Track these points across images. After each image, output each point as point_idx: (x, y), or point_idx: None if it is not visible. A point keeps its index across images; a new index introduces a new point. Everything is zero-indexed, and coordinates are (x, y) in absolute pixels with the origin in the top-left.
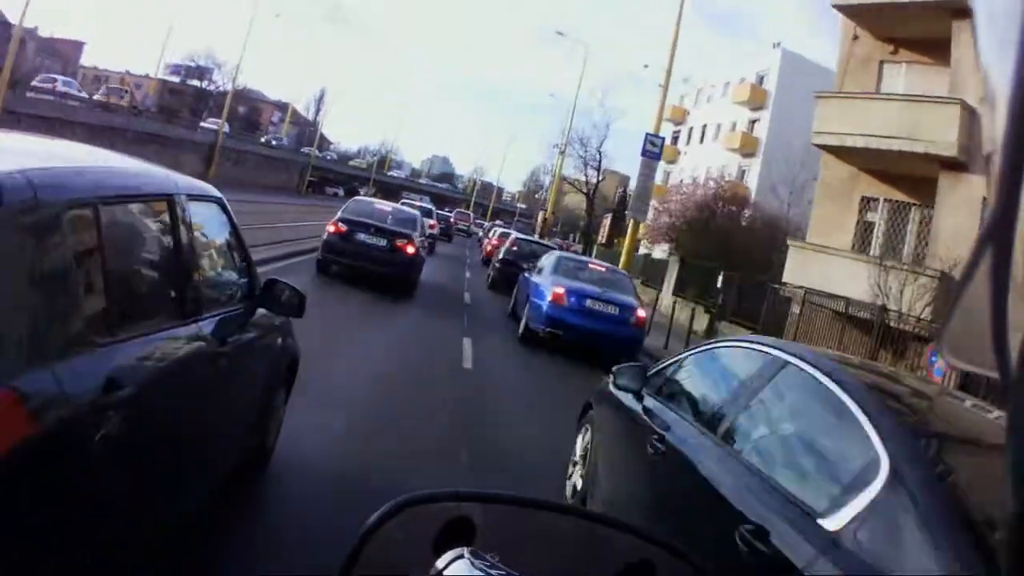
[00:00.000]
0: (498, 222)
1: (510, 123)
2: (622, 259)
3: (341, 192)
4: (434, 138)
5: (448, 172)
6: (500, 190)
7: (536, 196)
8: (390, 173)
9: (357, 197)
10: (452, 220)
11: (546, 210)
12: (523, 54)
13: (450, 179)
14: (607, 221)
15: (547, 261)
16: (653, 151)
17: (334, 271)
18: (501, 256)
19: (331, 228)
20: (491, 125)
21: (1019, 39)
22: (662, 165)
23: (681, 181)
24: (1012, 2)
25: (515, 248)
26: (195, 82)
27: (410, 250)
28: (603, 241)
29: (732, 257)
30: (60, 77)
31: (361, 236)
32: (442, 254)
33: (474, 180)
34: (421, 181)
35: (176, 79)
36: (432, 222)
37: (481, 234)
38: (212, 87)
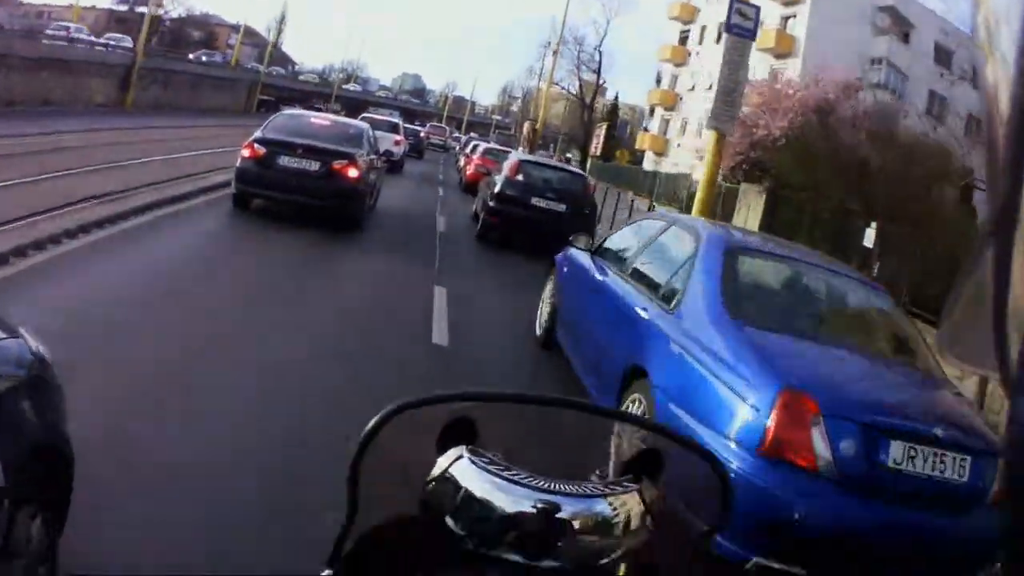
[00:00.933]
0: (472, 135)
1: (484, 39)
2: (700, 193)
3: (299, 109)
4: (406, 58)
5: (420, 88)
6: (473, 104)
7: (512, 108)
8: (353, 88)
9: (287, 111)
10: (424, 134)
11: (533, 119)
12: None
13: (421, 95)
14: (601, 132)
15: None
16: (745, 26)
17: (258, 206)
18: (498, 189)
19: (246, 152)
20: (464, 43)
21: (1019, 39)
22: (668, 69)
23: (778, 75)
24: (1012, 2)
25: (521, 177)
26: (143, 9)
27: (352, 174)
28: (597, 154)
29: (870, 200)
30: None
31: (284, 160)
32: (411, 173)
33: (446, 94)
34: (383, 95)
35: (124, 8)
36: (398, 137)
37: (458, 149)
38: (163, 13)
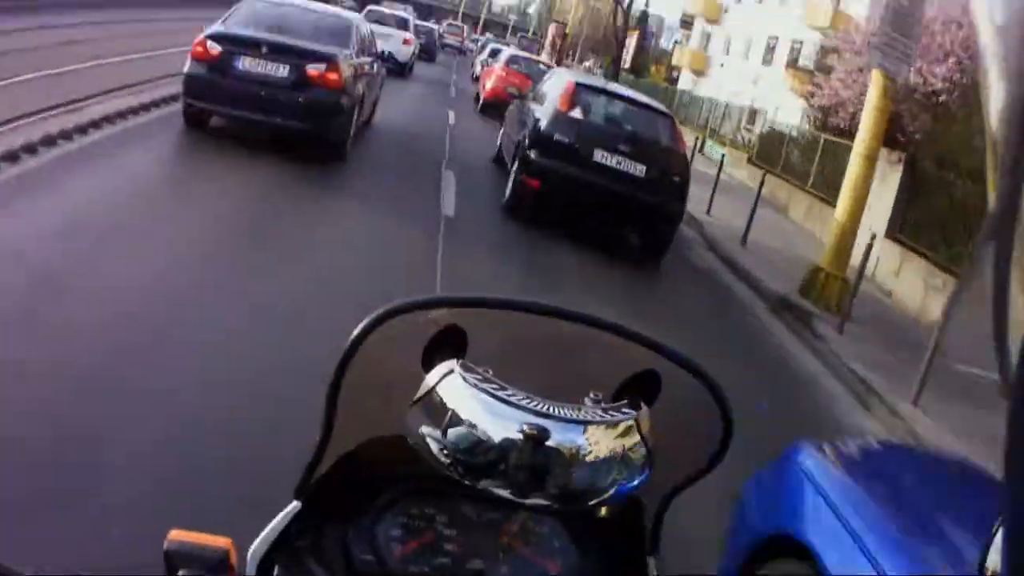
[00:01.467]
0: (488, 35)
1: None
2: (855, 169)
3: None
4: None
5: None
6: (489, 2)
7: (528, 10)
8: None
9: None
10: (435, 33)
11: (562, 21)
12: None
13: None
14: (631, 42)
15: None
16: None
17: (216, 125)
18: (542, 132)
19: (196, 51)
20: None
21: (1019, 40)
22: (701, 25)
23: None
24: (1012, 3)
25: (579, 114)
26: None
27: (332, 81)
28: (628, 67)
29: None
30: None
31: (245, 63)
32: (420, 79)
33: None
34: None
35: None
36: (408, 36)
37: (474, 50)
38: None
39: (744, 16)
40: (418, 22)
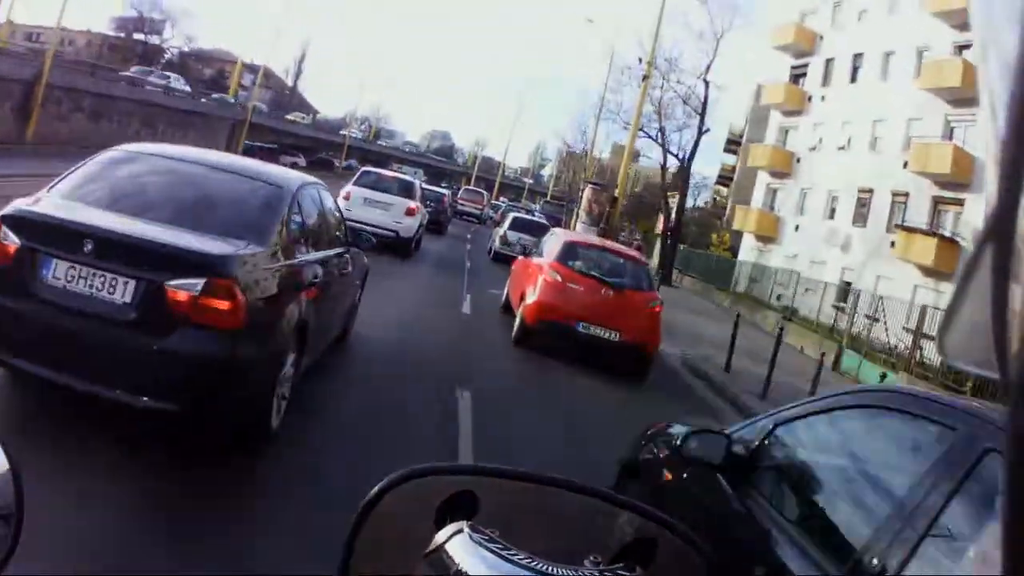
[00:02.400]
0: (503, 200)
1: (512, 99)
2: None
3: (302, 161)
4: (435, 116)
5: (448, 145)
6: (502, 165)
7: (542, 170)
8: (379, 142)
9: (118, 150)
10: (447, 200)
11: (602, 184)
12: (527, 33)
13: (449, 153)
14: (673, 203)
15: None
16: None
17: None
18: None
19: None
20: (493, 103)
21: (1019, 40)
22: (776, 118)
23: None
24: (1012, 3)
25: None
26: (141, 36)
27: (219, 308)
28: (659, 230)
29: None
30: None
31: (54, 272)
32: (427, 256)
33: (475, 153)
34: (408, 149)
35: (122, 34)
36: (413, 204)
37: (494, 217)
38: (164, 43)
39: (823, 167)
40: (427, 187)
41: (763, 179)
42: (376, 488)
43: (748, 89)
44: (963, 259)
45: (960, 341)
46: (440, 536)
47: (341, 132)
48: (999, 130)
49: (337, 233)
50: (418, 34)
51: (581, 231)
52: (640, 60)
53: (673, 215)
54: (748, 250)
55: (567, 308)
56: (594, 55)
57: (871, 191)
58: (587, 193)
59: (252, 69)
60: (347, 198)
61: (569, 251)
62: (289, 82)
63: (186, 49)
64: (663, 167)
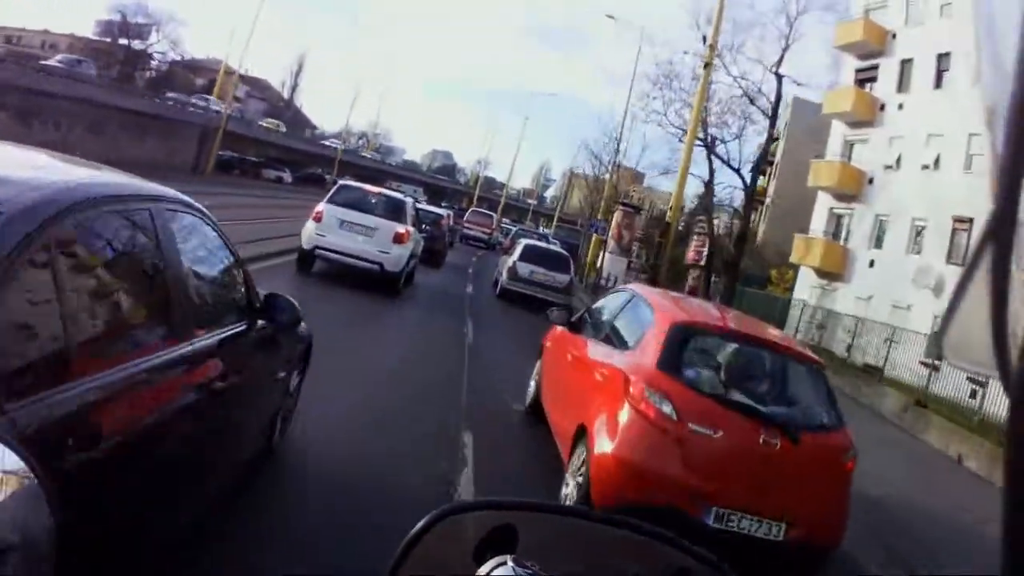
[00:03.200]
0: (505, 221)
1: (512, 120)
2: None
3: (288, 177)
4: (437, 135)
5: (449, 165)
6: (507, 184)
7: (546, 191)
8: (370, 155)
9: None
10: (446, 223)
11: (635, 208)
12: (523, 55)
13: (451, 172)
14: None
15: None
16: None
17: None
18: None
19: None
20: (495, 124)
21: (1019, 40)
22: (840, 130)
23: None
24: (1012, 3)
25: None
26: (126, 41)
27: None
28: (690, 259)
29: None
30: None
31: None
32: (420, 297)
33: (477, 173)
34: (402, 165)
35: (107, 39)
36: (402, 229)
37: (503, 243)
38: (148, 48)
39: (904, 189)
40: (422, 207)
41: (825, 202)
42: (417, 527)
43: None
44: None
45: (960, 341)
46: (483, 570)
47: (329, 143)
48: (999, 131)
49: (234, 297)
50: (419, 51)
51: (609, 263)
52: (704, 39)
53: (717, 240)
54: (807, 288)
55: (686, 479)
56: (599, 73)
57: (970, 221)
58: (616, 217)
59: (247, 80)
60: (318, 219)
61: (679, 346)
62: (285, 95)
63: (174, 57)
64: (708, 183)
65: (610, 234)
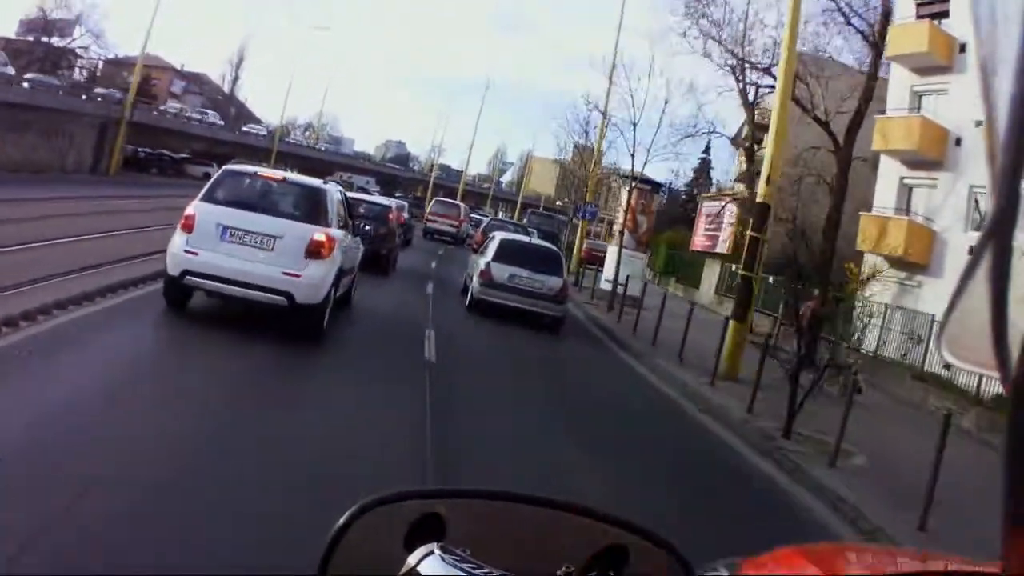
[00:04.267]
0: (477, 212)
1: (463, 107)
2: None
3: (216, 171)
4: (389, 127)
5: (403, 154)
6: (464, 169)
7: (502, 176)
8: (313, 144)
9: None
10: (394, 216)
11: (658, 187)
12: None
13: (404, 161)
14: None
15: None
16: None
17: None
18: None
19: None
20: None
21: (1019, 40)
22: (905, 78)
23: None
24: (1011, 3)
25: None
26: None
27: None
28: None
29: None
30: None
31: None
32: (349, 338)
33: (432, 159)
34: (352, 155)
35: (30, 38)
36: (321, 234)
37: (476, 240)
38: (70, 44)
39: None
40: (363, 197)
41: (892, 171)
42: (344, 516)
43: None
44: None
45: (960, 341)
46: (412, 559)
47: (251, 130)
48: (999, 131)
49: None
50: (365, 39)
51: (624, 260)
52: None
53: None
54: (877, 283)
55: None
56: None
57: None
58: (632, 198)
59: (183, 76)
60: (188, 228)
61: None
62: (226, 88)
63: (97, 51)
64: (752, 145)
65: (620, 222)
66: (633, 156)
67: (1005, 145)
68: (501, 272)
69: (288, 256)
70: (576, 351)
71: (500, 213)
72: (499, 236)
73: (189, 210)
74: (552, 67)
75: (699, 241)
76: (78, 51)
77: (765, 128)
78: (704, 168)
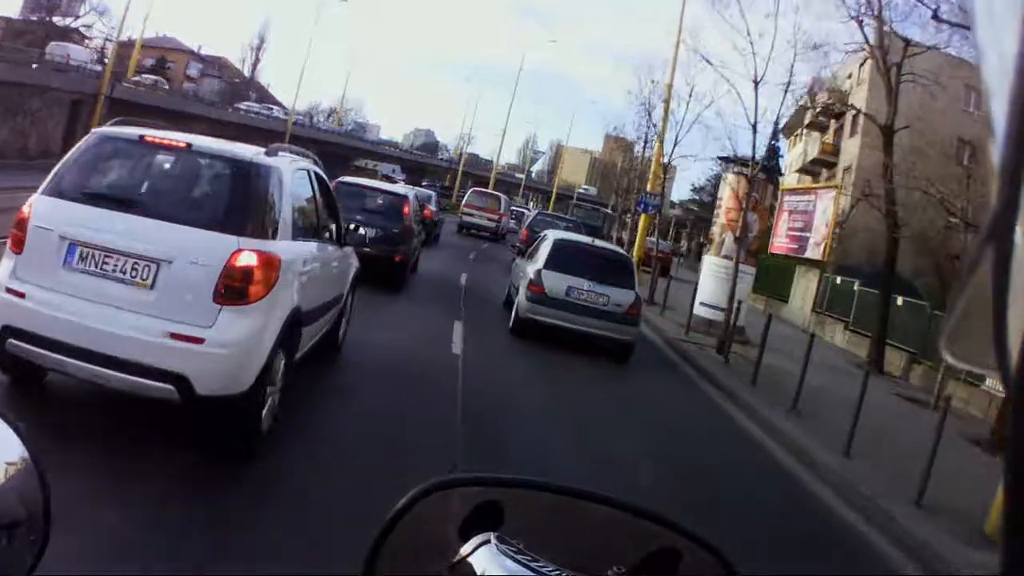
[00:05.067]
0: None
1: (493, 96)
2: None
3: None
4: (419, 115)
5: (431, 143)
6: (497, 156)
7: (533, 165)
8: (332, 128)
9: None
10: (411, 209)
11: (773, 167)
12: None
13: (433, 150)
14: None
15: None
16: None
17: None
18: None
19: None
20: (477, 100)
21: (1019, 40)
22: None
23: None
24: (1012, 2)
25: None
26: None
27: None
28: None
29: None
30: None
31: None
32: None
33: (461, 149)
34: (377, 142)
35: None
36: (251, 256)
37: (521, 239)
38: (75, 22)
39: None
40: (377, 185)
41: None
42: (403, 500)
43: None
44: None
45: (960, 341)
46: (466, 548)
47: (261, 112)
48: (999, 131)
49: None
50: (392, 24)
51: (722, 273)
52: None
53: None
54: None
55: None
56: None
57: None
58: (734, 188)
59: (201, 58)
60: (17, 243)
61: None
62: (246, 72)
63: (101, 28)
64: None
65: (718, 223)
66: (755, 128)
67: (1005, 145)
68: (557, 284)
69: (181, 299)
70: (686, 410)
71: (531, 204)
72: (552, 236)
73: (24, 208)
74: (581, 57)
75: (780, 243)
76: (82, 30)
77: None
78: (772, 156)
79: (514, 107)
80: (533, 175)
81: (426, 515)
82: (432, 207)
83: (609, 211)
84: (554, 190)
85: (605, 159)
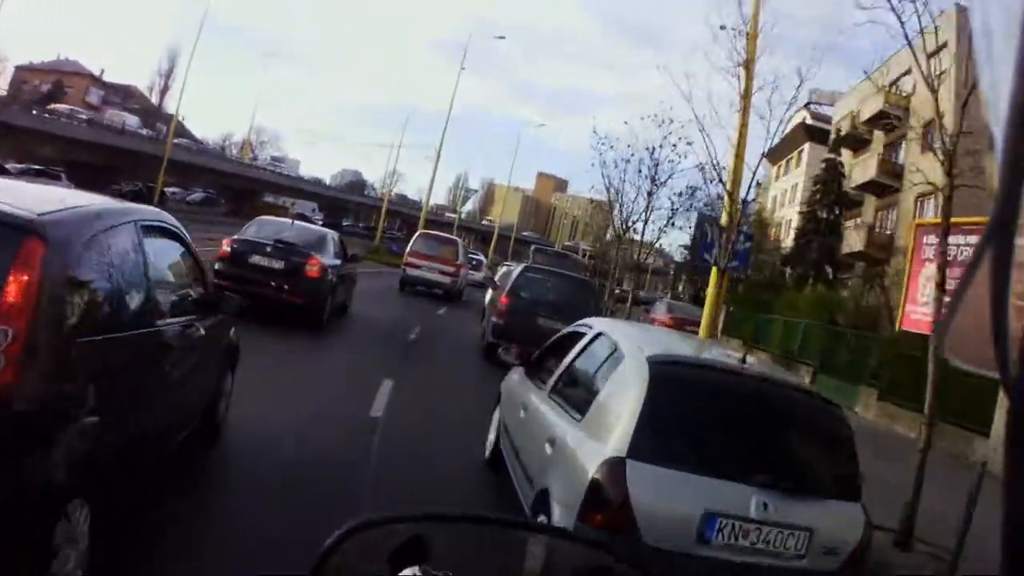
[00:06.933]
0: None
1: (420, 136)
2: None
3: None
4: (347, 160)
5: (358, 181)
6: (428, 191)
7: (464, 204)
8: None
9: None
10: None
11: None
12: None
13: (360, 189)
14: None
15: None
16: None
17: None
18: None
19: None
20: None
21: (1018, 41)
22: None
23: None
24: (1011, 3)
25: None
26: None
27: None
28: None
29: None
30: None
31: None
32: None
33: (388, 187)
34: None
35: None
36: None
37: (499, 299)
38: None
39: None
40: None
41: None
42: (330, 539)
43: None
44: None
45: (960, 340)
46: None
47: (124, 127)
48: (1000, 132)
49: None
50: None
51: None
52: None
53: None
54: None
55: None
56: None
57: None
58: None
59: (103, 84)
60: None
61: None
62: (155, 100)
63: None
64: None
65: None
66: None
67: (1005, 145)
68: (677, 512)
69: None
70: None
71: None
72: (632, 359)
73: None
74: (505, 97)
75: (914, 315)
76: None
77: None
78: (833, 173)
79: (445, 146)
80: (463, 215)
81: (354, 552)
82: (326, 258)
83: (580, 258)
84: (495, 230)
85: (536, 196)
